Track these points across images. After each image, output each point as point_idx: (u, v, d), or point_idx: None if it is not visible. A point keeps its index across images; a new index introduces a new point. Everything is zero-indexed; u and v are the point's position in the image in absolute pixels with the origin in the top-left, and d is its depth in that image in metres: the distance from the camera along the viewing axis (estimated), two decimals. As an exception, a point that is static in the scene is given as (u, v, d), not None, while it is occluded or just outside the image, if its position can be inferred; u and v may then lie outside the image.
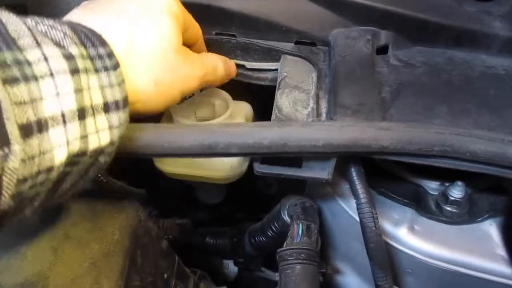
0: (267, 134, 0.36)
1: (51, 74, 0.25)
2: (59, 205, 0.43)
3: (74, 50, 0.28)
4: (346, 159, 0.42)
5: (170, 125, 0.39)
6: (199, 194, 0.73)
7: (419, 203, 0.46)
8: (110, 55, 0.31)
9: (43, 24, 0.27)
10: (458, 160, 0.37)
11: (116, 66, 0.31)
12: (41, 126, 0.24)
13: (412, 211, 0.46)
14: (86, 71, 0.28)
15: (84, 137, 0.27)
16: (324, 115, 0.45)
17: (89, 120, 0.28)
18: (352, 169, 0.42)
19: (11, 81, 0.23)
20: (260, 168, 0.41)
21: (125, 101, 0.31)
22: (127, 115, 0.31)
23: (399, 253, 0.45)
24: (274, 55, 0.54)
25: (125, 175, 0.60)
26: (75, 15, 0.35)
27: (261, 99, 0.54)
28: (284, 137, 0.36)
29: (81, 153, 0.28)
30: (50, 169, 0.25)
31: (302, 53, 0.53)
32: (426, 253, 0.44)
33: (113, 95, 0.30)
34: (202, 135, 0.36)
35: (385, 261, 0.42)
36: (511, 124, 0.44)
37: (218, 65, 0.44)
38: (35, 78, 0.24)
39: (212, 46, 0.50)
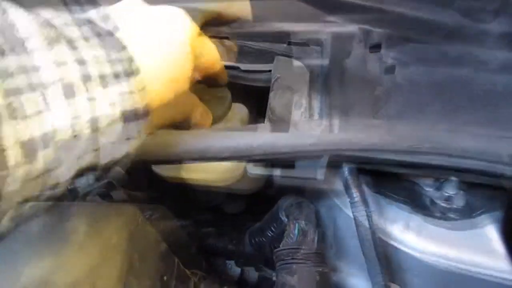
0: (258, 140, 0.37)
1: (61, 81, 0.23)
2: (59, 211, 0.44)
3: (89, 53, 0.25)
4: (339, 157, 0.42)
5: (172, 132, 0.40)
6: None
7: (414, 200, 0.46)
8: (130, 60, 0.28)
9: (60, 19, 0.25)
10: (449, 157, 0.38)
11: (137, 71, 0.28)
12: (47, 141, 0.22)
13: (408, 208, 0.46)
14: (104, 77, 0.25)
15: (96, 150, 0.25)
16: (316, 115, 0.45)
17: (103, 132, 0.25)
18: (346, 168, 0.42)
19: (13, 92, 0.21)
20: (253, 170, 0.41)
21: (146, 109, 0.28)
22: (147, 124, 0.29)
23: (395, 250, 0.45)
24: (267, 56, 0.54)
25: (126, 179, 0.61)
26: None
27: (255, 100, 0.54)
28: (275, 142, 0.37)
29: (92, 167, 0.26)
30: (55, 186, 0.24)
31: (295, 54, 0.53)
32: (422, 250, 0.44)
33: (133, 102, 0.27)
34: (197, 140, 0.36)
35: (380, 258, 0.42)
36: (504, 119, 0.45)
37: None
38: (43, 87, 0.22)
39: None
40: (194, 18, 0.36)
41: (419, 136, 0.37)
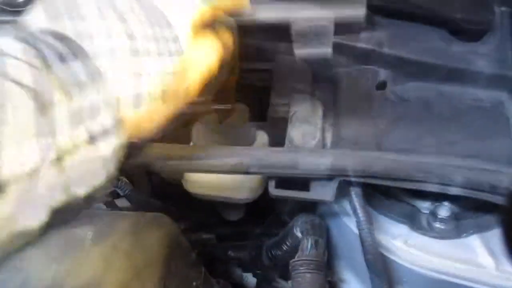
0: (281, 158, 0.45)
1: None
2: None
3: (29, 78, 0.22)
4: (347, 183, 0.50)
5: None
6: (221, 212, 0.81)
7: (412, 220, 0.53)
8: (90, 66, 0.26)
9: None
10: (439, 185, 0.45)
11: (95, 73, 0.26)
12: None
13: (407, 228, 0.53)
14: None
15: (66, 186, 0.23)
16: (329, 145, 0.53)
17: (68, 161, 0.23)
18: (352, 191, 0.49)
19: None
20: (274, 192, 0.49)
21: (118, 123, 0.26)
22: (121, 139, 0.27)
23: (396, 264, 0.52)
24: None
25: (159, 194, 0.69)
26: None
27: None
28: (294, 161, 0.45)
29: (67, 205, 0.24)
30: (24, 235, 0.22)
31: (311, 91, 0.61)
32: (419, 264, 0.51)
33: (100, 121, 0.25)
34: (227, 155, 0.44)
35: (382, 270, 0.49)
36: (491, 152, 0.52)
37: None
38: None
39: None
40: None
41: (413, 167, 0.45)
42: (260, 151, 0.46)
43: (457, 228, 0.52)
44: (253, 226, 0.87)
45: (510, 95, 0.58)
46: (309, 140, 0.53)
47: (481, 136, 0.53)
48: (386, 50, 0.60)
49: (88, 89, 0.25)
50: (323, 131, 0.54)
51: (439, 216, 0.51)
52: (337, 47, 0.61)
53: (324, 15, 0.39)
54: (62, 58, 0.24)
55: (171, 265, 0.51)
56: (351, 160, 0.45)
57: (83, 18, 0.25)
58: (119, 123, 0.26)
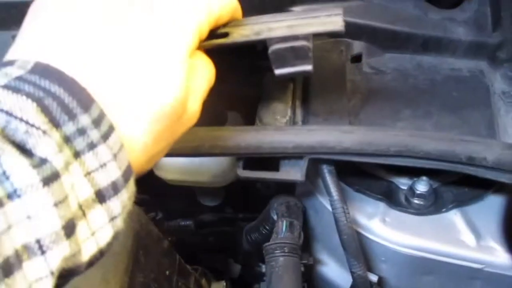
0: (245, 138, 0.42)
1: (18, 195, 0.19)
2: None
3: (45, 148, 0.20)
4: (319, 161, 0.47)
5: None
6: (200, 197, 0.79)
7: (390, 197, 0.51)
8: (99, 119, 0.23)
9: (0, 112, 0.20)
10: (414, 158, 0.42)
11: (108, 132, 0.23)
12: (9, 266, 0.19)
13: (384, 205, 0.51)
14: (67, 166, 0.21)
15: (73, 255, 0.21)
16: (300, 123, 0.50)
17: (80, 228, 0.22)
18: (325, 170, 0.47)
19: None
20: (243, 173, 0.46)
21: (127, 173, 0.24)
22: (131, 189, 0.25)
23: (373, 243, 0.50)
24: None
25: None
26: (35, 43, 0.24)
27: (247, 108, 0.59)
28: (259, 140, 0.42)
29: (71, 272, 0.22)
30: None
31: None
32: (397, 242, 0.49)
33: (108, 175, 0.23)
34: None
35: (358, 250, 0.47)
36: (470, 123, 0.49)
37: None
38: None
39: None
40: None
41: (387, 141, 0.42)
42: (223, 131, 0.43)
43: (436, 204, 0.50)
44: (235, 211, 0.85)
45: (489, 63, 0.56)
46: (279, 118, 0.50)
47: (459, 106, 0.51)
48: (359, 20, 0.57)
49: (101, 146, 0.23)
50: (294, 108, 0.52)
51: (417, 191, 0.48)
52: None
53: (301, 32, 0.37)
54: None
55: (139, 254, 0.49)
56: (319, 137, 0.43)
57: None
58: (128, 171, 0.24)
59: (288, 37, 0.37)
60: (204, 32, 0.31)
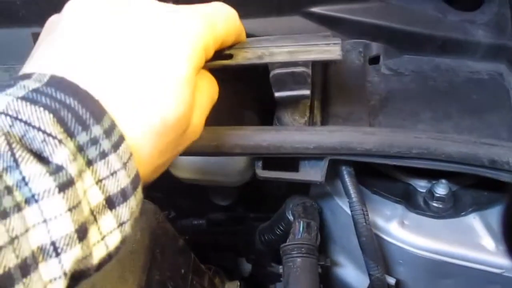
0: (266, 138, 0.42)
1: (35, 200, 0.20)
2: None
3: (61, 156, 0.22)
4: (338, 162, 0.47)
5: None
6: (212, 197, 0.79)
7: (408, 200, 0.51)
8: (110, 130, 0.24)
9: (19, 122, 0.21)
10: (435, 161, 0.42)
11: (119, 142, 0.24)
12: (27, 267, 0.20)
13: (402, 208, 0.51)
14: (80, 173, 0.22)
15: (85, 258, 0.23)
16: (318, 123, 0.50)
17: (91, 232, 0.23)
18: (344, 172, 0.47)
19: None
20: (262, 173, 0.46)
21: (136, 181, 0.25)
22: (139, 197, 0.26)
23: (391, 245, 0.50)
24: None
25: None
26: (54, 61, 0.26)
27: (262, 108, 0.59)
28: (280, 140, 0.42)
29: (81, 274, 0.23)
30: None
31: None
32: (415, 245, 0.48)
33: (118, 183, 0.24)
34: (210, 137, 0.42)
35: (376, 252, 0.47)
36: (490, 126, 0.49)
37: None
38: (17, 209, 0.20)
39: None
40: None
41: (409, 143, 0.42)
42: (243, 131, 0.43)
43: (455, 207, 0.49)
44: (246, 210, 0.85)
45: (509, 66, 0.55)
46: (297, 118, 0.50)
47: (479, 109, 0.50)
48: (377, 21, 0.57)
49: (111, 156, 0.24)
50: (312, 108, 0.51)
51: (436, 195, 0.48)
52: (327, 20, 0.58)
53: (301, 59, 0.39)
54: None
55: (156, 252, 0.49)
56: (341, 138, 0.42)
57: None
58: (136, 179, 0.25)
59: (289, 63, 0.40)
60: (210, 52, 0.32)
